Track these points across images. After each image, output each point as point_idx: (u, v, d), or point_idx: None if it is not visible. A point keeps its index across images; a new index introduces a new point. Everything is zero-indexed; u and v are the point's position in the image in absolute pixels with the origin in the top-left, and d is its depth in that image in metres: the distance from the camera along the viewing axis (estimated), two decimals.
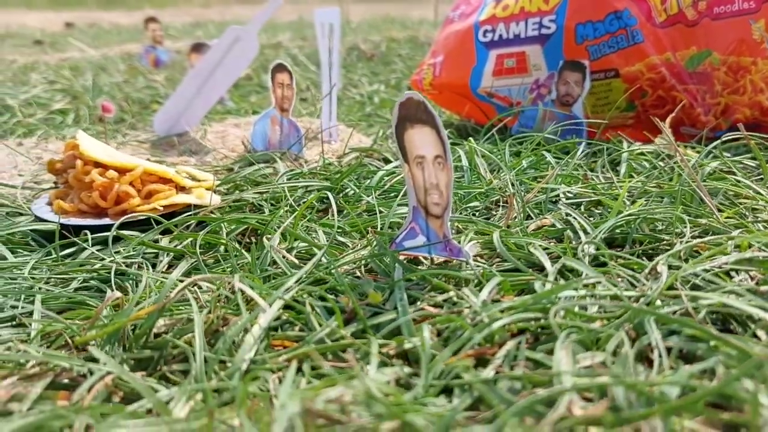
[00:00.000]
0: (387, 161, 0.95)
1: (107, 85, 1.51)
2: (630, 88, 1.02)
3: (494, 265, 0.55)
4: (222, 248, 0.63)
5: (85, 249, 0.65)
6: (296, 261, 0.57)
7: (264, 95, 1.56)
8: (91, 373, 0.40)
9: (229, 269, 0.57)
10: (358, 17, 3.19)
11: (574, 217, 0.61)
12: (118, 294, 0.48)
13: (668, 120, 0.88)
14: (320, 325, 0.46)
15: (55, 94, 1.40)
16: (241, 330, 0.44)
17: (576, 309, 0.44)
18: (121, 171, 0.74)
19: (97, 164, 0.76)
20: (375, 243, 0.60)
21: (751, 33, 0.96)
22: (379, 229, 0.64)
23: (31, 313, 0.50)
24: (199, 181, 0.79)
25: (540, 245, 0.56)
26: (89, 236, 0.65)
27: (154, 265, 0.60)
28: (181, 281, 0.53)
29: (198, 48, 1.43)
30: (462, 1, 1.25)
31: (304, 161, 0.93)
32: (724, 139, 0.81)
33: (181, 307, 0.49)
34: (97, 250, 0.64)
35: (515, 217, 0.65)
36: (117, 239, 0.67)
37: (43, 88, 1.44)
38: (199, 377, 0.40)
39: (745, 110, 0.98)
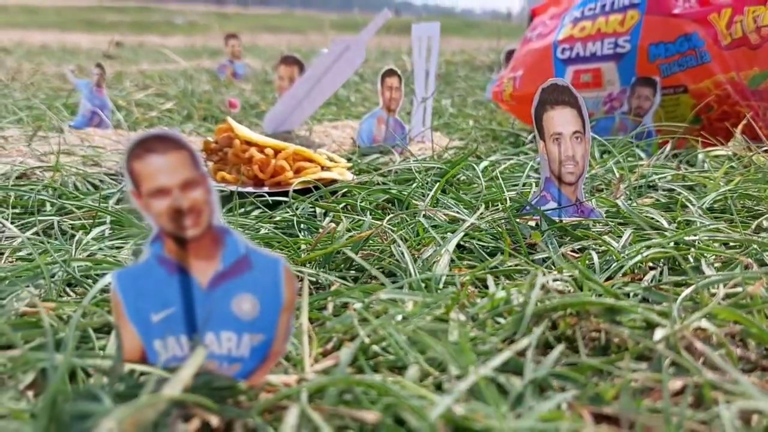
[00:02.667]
0: (479, 158, 1.07)
1: (201, 92, 1.66)
2: (698, 103, 1.14)
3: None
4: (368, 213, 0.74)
5: (250, 210, 0.77)
6: (445, 218, 0.69)
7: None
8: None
9: (396, 222, 0.68)
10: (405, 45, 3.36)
11: (679, 192, 0.73)
12: (333, 225, 0.60)
13: (740, 126, 1.00)
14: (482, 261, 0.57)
15: (155, 98, 1.55)
16: (435, 256, 0.56)
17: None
18: (275, 150, 0.87)
19: (249, 144, 0.88)
20: (509, 207, 0.71)
21: None
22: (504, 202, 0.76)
23: None
24: (335, 162, 0.91)
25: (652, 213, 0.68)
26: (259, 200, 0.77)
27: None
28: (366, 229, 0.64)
29: (286, 60, 1.57)
30: (539, 23, 1.38)
31: (411, 154, 1.05)
32: None
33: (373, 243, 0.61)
34: (261, 212, 0.76)
35: (621, 195, 0.77)
36: (276, 204, 0.79)
37: (144, 92, 1.59)
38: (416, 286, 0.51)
39: None
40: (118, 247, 0.59)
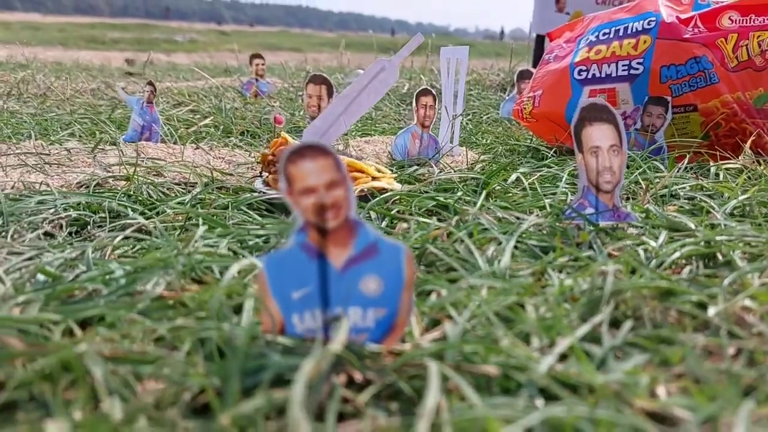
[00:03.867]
0: (507, 170, 1.16)
1: (232, 109, 1.74)
2: (707, 120, 1.24)
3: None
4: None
5: None
6: (494, 220, 0.77)
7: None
8: None
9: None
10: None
11: (700, 199, 0.81)
12: (405, 225, 0.68)
13: (749, 142, 1.09)
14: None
15: (189, 114, 1.63)
16: (497, 252, 0.64)
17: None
18: None
19: None
20: (551, 212, 0.80)
21: None
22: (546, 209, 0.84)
23: None
24: (382, 173, 0.99)
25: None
26: None
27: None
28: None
29: (314, 79, 1.65)
30: (555, 46, 1.47)
31: (448, 165, 1.13)
32: None
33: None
34: None
35: (647, 203, 0.85)
36: None
37: (177, 109, 1.67)
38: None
39: None
40: (214, 244, 0.67)
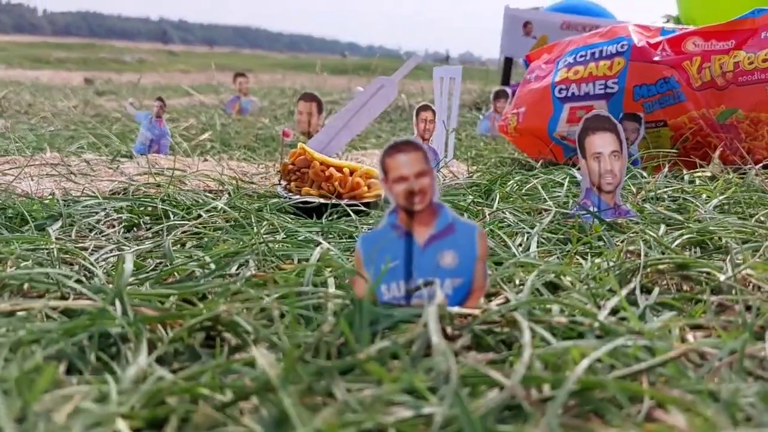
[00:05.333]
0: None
1: (226, 125, 1.82)
2: (676, 135, 1.37)
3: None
4: None
5: (338, 217, 0.94)
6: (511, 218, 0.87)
7: None
8: None
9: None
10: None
11: (684, 200, 0.93)
12: None
13: (717, 152, 1.22)
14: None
15: (185, 129, 1.70)
16: (525, 242, 0.74)
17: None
18: (350, 169, 1.04)
19: (326, 165, 1.05)
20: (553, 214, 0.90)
21: (767, 96, 1.32)
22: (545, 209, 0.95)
23: None
24: None
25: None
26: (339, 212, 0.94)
27: None
28: None
29: (305, 97, 1.74)
30: (535, 66, 1.60)
31: (443, 176, 1.23)
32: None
33: None
34: (336, 218, 0.93)
35: (639, 202, 0.96)
36: (355, 212, 0.96)
37: (175, 124, 1.74)
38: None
39: (763, 152, 1.33)
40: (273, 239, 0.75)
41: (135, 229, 0.87)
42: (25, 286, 0.58)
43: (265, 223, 0.77)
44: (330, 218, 0.93)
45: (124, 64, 14.10)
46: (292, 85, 5.23)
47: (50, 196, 0.89)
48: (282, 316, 0.52)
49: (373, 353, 0.44)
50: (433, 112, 1.28)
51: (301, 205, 1.00)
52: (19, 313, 0.53)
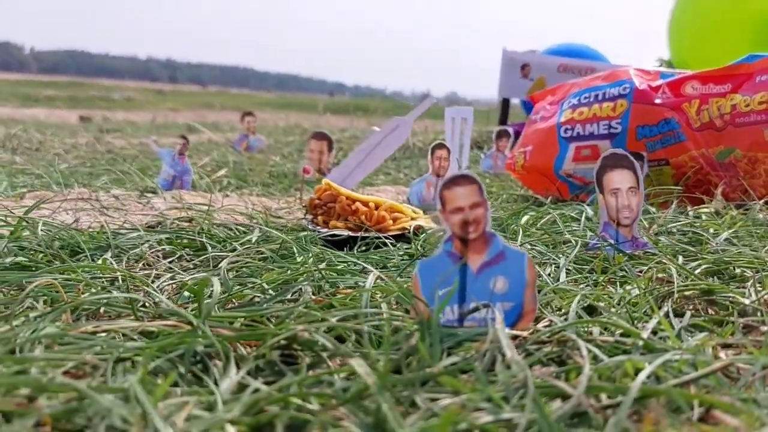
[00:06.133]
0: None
1: (235, 162, 1.87)
2: (677, 173, 1.44)
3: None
4: None
5: (365, 249, 0.98)
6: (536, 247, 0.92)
7: None
8: None
9: None
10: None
11: (694, 233, 0.98)
12: None
13: (719, 189, 1.28)
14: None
15: (199, 166, 1.75)
16: (555, 272, 0.78)
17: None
18: (375, 204, 1.09)
19: (352, 199, 1.10)
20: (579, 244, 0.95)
21: (763, 136, 1.39)
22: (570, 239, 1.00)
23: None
24: (417, 213, 1.14)
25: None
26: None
27: None
28: None
29: (316, 136, 1.80)
30: (540, 107, 1.67)
31: None
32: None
33: None
34: (363, 250, 0.97)
35: (652, 235, 1.02)
36: (378, 245, 1.01)
37: (192, 161, 1.79)
38: None
39: (761, 189, 1.39)
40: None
41: (177, 259, 0.91)
42: (101, 309, 0.62)
43: (310, 254, 0.81)
44: (360, 250, 0.97)
45: (112, 102, 14.20)
46: (287, 123, 5.32)
47: (98, 229, 0.93)
48: (340, 338, 0.56)
49: (445, 368, 0.48)
50: (448, 150, 1.34)
51: (330, 237, 1.04)
52: (101, 334, 0.57)
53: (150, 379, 0.46)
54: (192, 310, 0.61)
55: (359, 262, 0.81)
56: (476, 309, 0.58)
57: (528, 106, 3.54)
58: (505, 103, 3.35)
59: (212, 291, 0.57)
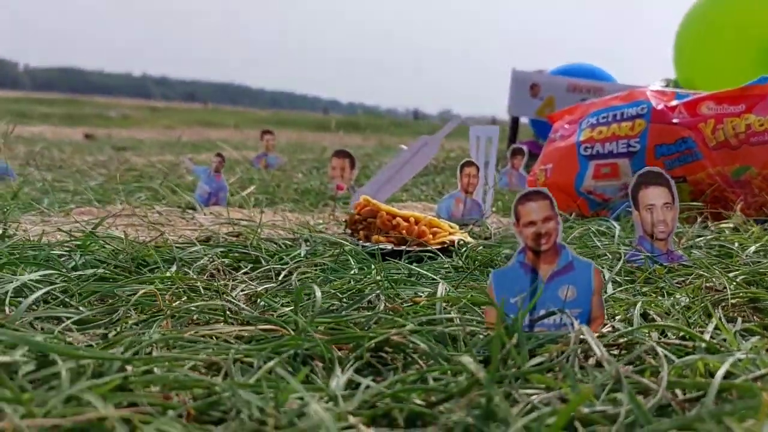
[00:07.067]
0: None
1: (260, 179, 1.92)
2: (695, 190, 1.49)
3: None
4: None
5: (408, 262, 1.03)
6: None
7: None
8: None
9: None
10: None
11: (721, 246, 1.04)
12: None
13: (738, 205, 1.34)
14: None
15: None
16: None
17: None
18: (415, 219, 1.14)
19: (392, 214, 1.15)
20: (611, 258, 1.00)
21: None
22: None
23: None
24: (453, 228, 1.19)
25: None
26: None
27: None
28: None
29: (338, 154, 1.85)
30: (558, 126, 1.73)
31: (488, 226, 1.34)
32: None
33: None
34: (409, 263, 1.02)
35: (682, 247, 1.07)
36: (421, 258, 1.05)
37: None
38: None
39: None
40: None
41: (236, 270, 0.96)
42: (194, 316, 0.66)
43: (373, 266, 0.86)
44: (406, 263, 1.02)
45: (108, 120, 14.24)
46: (288, 140, 5.38)
47: (158, 243, 0.98)
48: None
49: (532, 366, 0.53)
50: (477, 167, 1.39)
51: (373, 251, 1.09)
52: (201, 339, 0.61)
53: (267, 376, 0.51)
54: (280, 316, 0.66)
55: (423, 271, 0.86)
56: (550, 314, 0.63)
57: (537, 125, 3.62)
58: (515, 122, 3.42)
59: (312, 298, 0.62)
